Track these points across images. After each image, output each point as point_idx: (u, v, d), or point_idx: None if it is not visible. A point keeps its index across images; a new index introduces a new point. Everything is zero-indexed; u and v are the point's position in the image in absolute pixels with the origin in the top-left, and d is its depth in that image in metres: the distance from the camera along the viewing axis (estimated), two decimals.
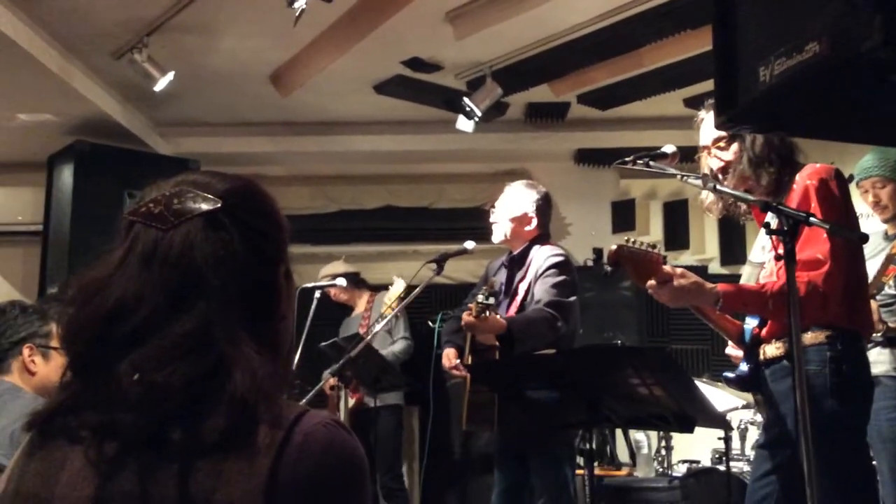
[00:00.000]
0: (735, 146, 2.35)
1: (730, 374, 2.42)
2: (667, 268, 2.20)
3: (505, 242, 3.53)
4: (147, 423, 0.90)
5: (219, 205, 0.99)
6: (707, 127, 2.43)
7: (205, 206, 0.99)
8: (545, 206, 3.54)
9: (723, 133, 2.35)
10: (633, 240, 2.24)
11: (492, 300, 3.13)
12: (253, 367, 0.93)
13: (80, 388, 0.96)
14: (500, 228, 3.49)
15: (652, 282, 2.19)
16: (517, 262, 3.47)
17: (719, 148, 2.38)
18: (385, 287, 5.10)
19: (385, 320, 3.89)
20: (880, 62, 1.46)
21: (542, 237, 3.53)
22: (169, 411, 0.90)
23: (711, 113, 2.40)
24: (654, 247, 2.23)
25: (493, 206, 3.56)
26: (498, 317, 3.17)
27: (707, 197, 2.47)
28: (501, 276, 3.54)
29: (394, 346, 4.78)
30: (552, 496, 3.25)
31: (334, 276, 4.91)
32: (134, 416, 0.90)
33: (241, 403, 0.90)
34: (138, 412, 0.90)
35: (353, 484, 0.93)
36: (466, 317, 3.12)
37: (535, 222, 3.49)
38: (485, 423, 3.36)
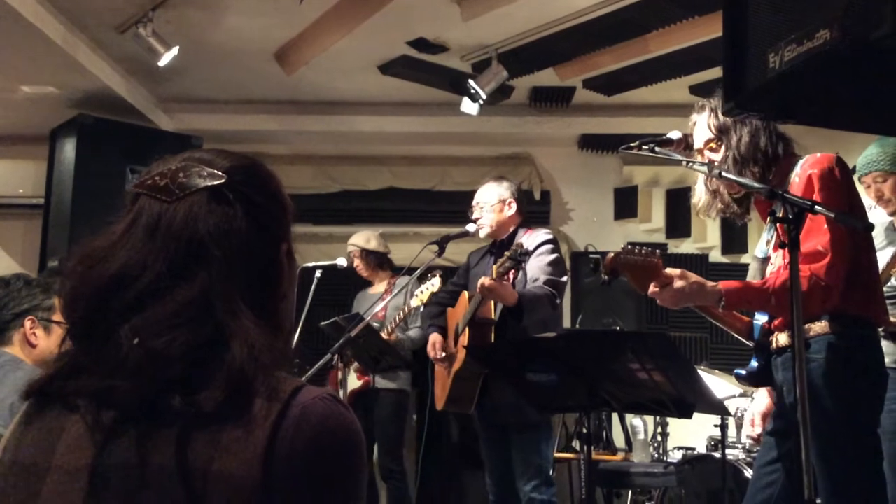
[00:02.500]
0: (724, 147, 2.34)
1: (741, 371, 2.42)
2: (666, 270, 2.18)
3: (491, 235, 3.61)
4: (145, 391, 0.91)
5: (223, 180, 1.00)
6: (700, 129, 2.42)
7: (210, 181, 1.00)
8: (520, 194, 3.66)
9: (712, 135, 2.35)
10: (630, 245, 2.21)
11: (524, 258, 3.17)
12: (251, 339, 0.94)
13: (78, 353, 0.97)
14: (486, 221, 3.57)
15: (653, 288, 2.17)
16: (506, 247, 3.49)
17: (711, 149, 2.37)
18: (401, 269, 5.10)
19: (387, 301, 3.92)
20: (891, 50, 1.46)
21: (526, 222, 3.64)
22: (167, 379, 0.90)
23: (704, 114, 2.40)
24: (653, 251, 2.21)
25: (472, 210, 3.65)
26: (510, 287, 3.21)
27: (700, 199, 2.46)
28: (486, 265, 3.57)
29: (410, 332, 4.76)
30: (533, 476, 3.31)
31: (360, 248, 4.87)
32: (132, 383, 0.90)
33: (238, 374, 0.91)
34: (136, 379, 0.90)
35: (350, 458, 0.94)
36: (488, 280, 3.12)
37: (514, 206, 3.58)
38: (462, 404, 3.42)
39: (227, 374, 0.91)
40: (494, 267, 3.19)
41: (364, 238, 4.97)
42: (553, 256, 3.40)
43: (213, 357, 0.92)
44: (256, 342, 0.94)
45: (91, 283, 0.96)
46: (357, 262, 4.92)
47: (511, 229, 3.57)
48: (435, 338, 3.62)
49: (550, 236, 3.49)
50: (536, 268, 3.35)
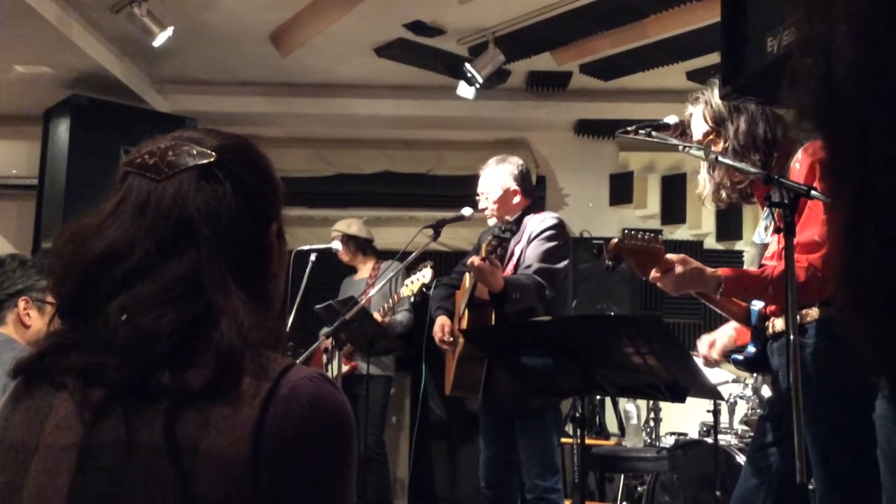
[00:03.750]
0: (722, 139, 2.33)
1: (738, 356, 2.42)
2: (667, 256, 2.18)
3: (500, 222, 3.52)
4: (133, 368, 0.90)
5: (213, 158, 1.00)
6: (696, 121, 2.41)
7: (199, 160, 1.00)
8: (525, 174, 3.56)
9: (709, 127, 2.34)
10: (631, 230, 2.21)
11: (507, 234, 3.13)
12: (240, 317, 0.94)
13: (67, 331, 0.97)
14: (492, 212, 3.50)
15: (655, 273, 2.17)
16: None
17: (710, 142, 2.36)
18: (385, 254, 5.12)
19: (379, 286, 3.92)
20: None
21: (534, 206, 3.56)
22: (155, 357, 0.90)
23: (699, 107, 2.39)
24: (655, 236, 2.21)
25: (478, 196, 3.57)
26: (499, 272, 3.17)
27: (705, 187, 2.45)
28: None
29: (397, 315, 4.80)
30: (537, 463, 3.27)
31: (342, 233, 4.91)
32: (120, 360, 0.90)
33: (227, 352, 0.91)
34: (124, 356, 0.90)
35: (340, 437, 0.94)
36: (477, 260, 3.10)
37: (519, 194, 3.51)
38: (471, 389, 3.39)
39: (216, 351, 0.91)
40: (483, 246, 3.16)
41: (346, 223, 5.07)
42: (551, 244, 3.33)
43: (202, 335, 0.92)
44: (245, 320, 0.94)
45: (80, 260, 0.96)
46: (340, 247, 4.98)
47: (519, 213, 3.49)
48: (443, 320, 3.56)
49: (555, 221, 3.40)
50: (532, 254, 3.31)
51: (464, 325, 3.36)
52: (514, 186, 3.50)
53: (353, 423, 0.96)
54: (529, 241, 3.36)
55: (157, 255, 0.95)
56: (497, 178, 3.52)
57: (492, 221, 3.53)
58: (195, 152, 1.01)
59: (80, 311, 0.96)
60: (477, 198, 3.59)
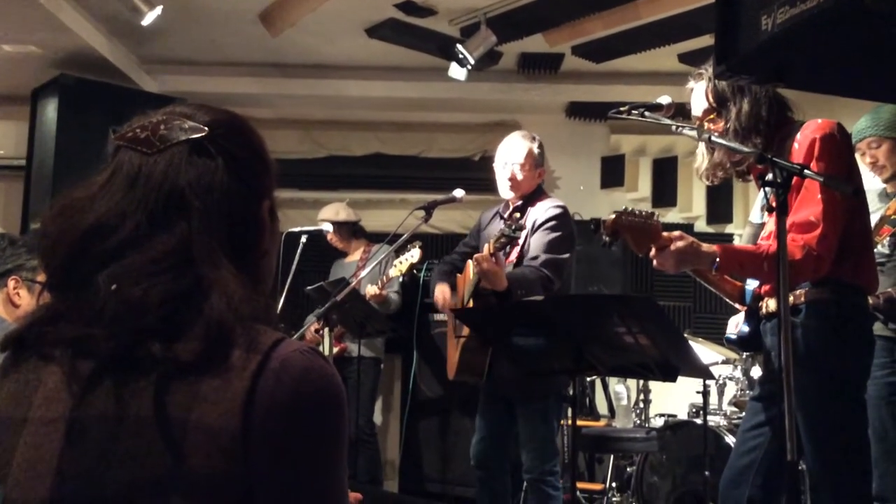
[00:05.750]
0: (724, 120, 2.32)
1: (732, 335, 2.43)
2: (665, 233, 2.18)
3: (518, 198, 3.43)
4: (122, 340, 0.90)
5: (205, 133, 1.00)
6: (697, 98, 2.39)
7: (191, 134, 1.00)
8: (543, 154, 3.51)
9: (710, 106, 2.33)
10: (629, 208, 2.20)
11: (518, 233, 3.07)
12: (230, 290, 0.93)
13: (56, 301, 0.96)
14: (514, 185, 3.39)
15: (653, 250, 2.17)
16: (517, 211, 3.43)
17: (710, 120, 2.35)
18: (376, 236, 5.11)
19: (370, 269, 3.92)
20: (883, 14, 1.45)
21: (540, 189, 3.50)
22: (144, 328, 0.90)
23: (701, 83, 2.37)
24: (652, 213, 2.20)
25: (501, 164, 3.45)
26: (503, 273, 3.12)
27: (703, 163, 2.44)
28: (495, 227, 3.52)
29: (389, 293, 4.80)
30: (537, 446, 3.27)
31: (332, 222, 4.90)
32: (109, 331, 0.90)
33: (216, 325, 0.91)
34: (114, 327, 0.90)
35: (331, 410, 0.94)
36: (483, 255, 3.05)
37: (541, 176, 3.46)
38: (473, 374, 3.37)
39: (206, 323, 0.90)
40: (491, 241, 3.10)
41: (333, 211, 5.05)
42: (556, 234, 3.26)
43: (192, 307, 0.92)
44: (236, 294, 0.93)
45: (70, 232, 0.96)
46: (331, 236, 4.97)
47: (524, 196, 3.43)
48: (443, 287, 3.50)
49: (560, 210, 3.33)
50: (537, 245, 3.26)
51: None
52: (540, 164, 3.44)
53: (343, 395, 0.96)
54: (534, 230, 3.30)
55: (147, 227, 0.95)
56: (525, 149, 3.40)
57: (506, 193, 3.43)
58: (187, 126, 1.01)
59: (69, 283, 0.95)
60: (494, 165, 3.48)
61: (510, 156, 3.42)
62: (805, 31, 1.53)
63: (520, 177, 3.39)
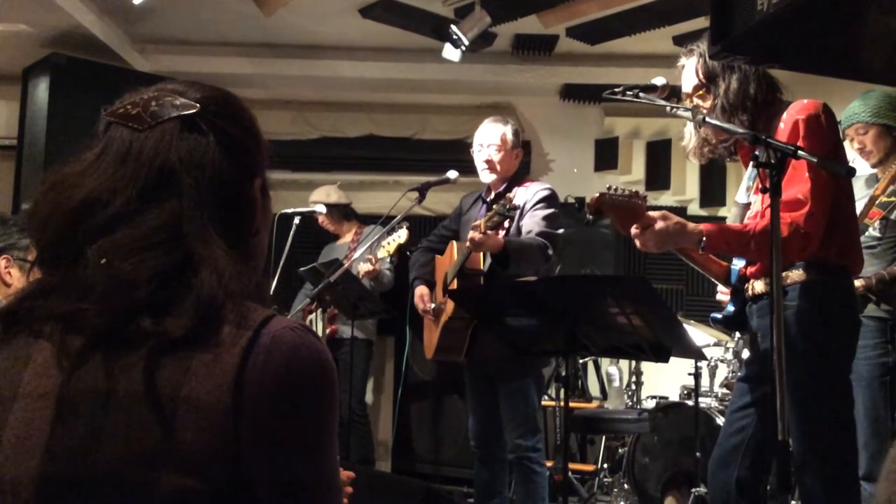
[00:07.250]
0: (712, 96, 2.32)
1: (717, 315, 2.44)
2: (648, 213, 2.17)
3: (499, 180, 3.49)
4: (112, 315, 0.90)
5: (196, 109, 1.00)
6: (688, 74, 2.39)
7: (182, 110, 1.00)
8: (519, 138, 3.56)
9: (699, 82, 2.33)
10: (614, 186, 2.21)
11: (512, 213, 3.11)
12: (221, 266, 0.93)
13: (47, 276, 0.96)
14: (495, 162, 3.44)
15: (635, 229, 2.17)
16: (501, 196, 3.44)
17: (699, 97, 2.35)
18: (369, 218, 5.11)
19: (362, 251, 3.91)
20: None
21: (520, 173, 3.56)
22: (135, 303, 0.90)
23: (692, 59, 2.37)
24: (637, 192, 2.21)
25: (475, 149, 3.51)
26: (498, 235, 3.17)
27: (690, 141, 2.45)
28: (477, 211, 3.54)
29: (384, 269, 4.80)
30: (519, 424, 3.32)
31: (326, 207, 4.89)
32: (99, 307, 0.90)
33: (207, 300, 0.91)
34: (104, 302, 0.90)
35: (321, 387, 0.93)
36: (475, 234, 3.08)
37: (518, 156, 3.51)
38: (453, 353, 3.41)
39: (196, 299, 0.90)
40: (483, 221, 3.13)
41: (324, 193, 5.04)
42: (548, 211, 3.33)
43: (182, 282, 0.92)
44: (226, 270, 0.93)
45: (61, 207, 0.95)
46: (322, 219, 4.96)
47: (507, 179, 3.48)
48: (422, 290, 3.59)
49: (548, 192, 3.40)
50: (531, 222, 3.31)
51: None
52: (518, 147, 3.48)
53: (334, 372, 0.96)
54: (523, 213, 3.34)
55: (138, 203, 0.95)
56: (499, 132, 3.47)
57: (486, 176, 3.49)
58: (178, 103, 1.00)
59: (60, 258, 0.95)
60: (471, 150, 3.54)
61: (484, 138, 3.48)
62: (801, 11, 1.52)
63: (496, 158, 3.44)
